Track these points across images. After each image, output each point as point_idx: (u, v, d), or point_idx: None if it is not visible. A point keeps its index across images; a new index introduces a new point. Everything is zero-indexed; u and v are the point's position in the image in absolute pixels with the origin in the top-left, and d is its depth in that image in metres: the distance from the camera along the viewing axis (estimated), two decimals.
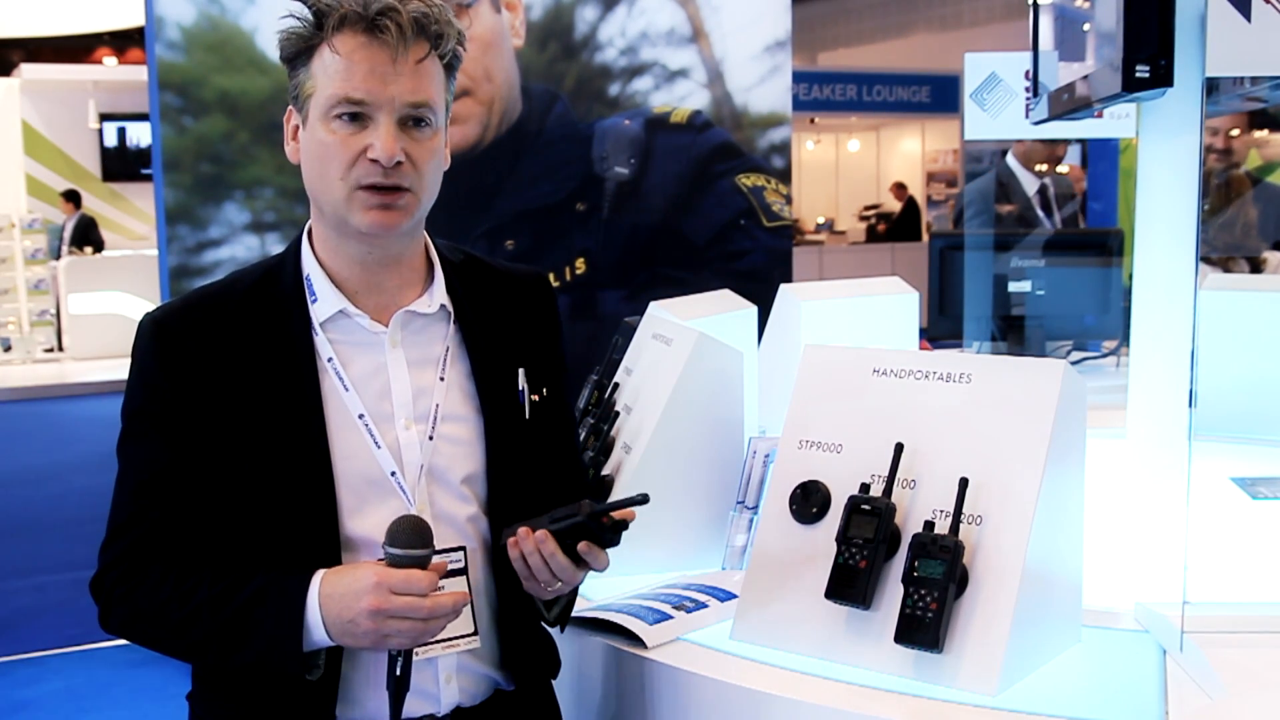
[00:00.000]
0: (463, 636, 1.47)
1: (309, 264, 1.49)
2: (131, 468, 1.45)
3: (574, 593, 1.58)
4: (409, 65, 1.38)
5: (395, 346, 1.48)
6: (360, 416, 1.44)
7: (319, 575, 1.36)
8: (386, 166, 1.38)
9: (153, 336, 1.45)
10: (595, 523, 1.42)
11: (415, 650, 1.41)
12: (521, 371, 1.55)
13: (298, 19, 1.40)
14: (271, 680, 1.40)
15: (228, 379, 1.43)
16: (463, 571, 1.46)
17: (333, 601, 1.33)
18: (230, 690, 1.47)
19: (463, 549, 1.47)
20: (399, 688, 1.38)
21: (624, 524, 1.43)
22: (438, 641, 1.44)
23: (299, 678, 1.38)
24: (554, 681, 1.65)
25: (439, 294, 1.52)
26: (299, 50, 1.41)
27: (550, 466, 1.58)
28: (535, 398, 1.56)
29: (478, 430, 1.51)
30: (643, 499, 1.42)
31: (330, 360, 1.45)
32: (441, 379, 1.49)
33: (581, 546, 1.42)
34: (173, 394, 1.42)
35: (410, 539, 1.34)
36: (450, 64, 1.46)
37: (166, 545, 1.42)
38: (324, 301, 1.47)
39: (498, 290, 1.59)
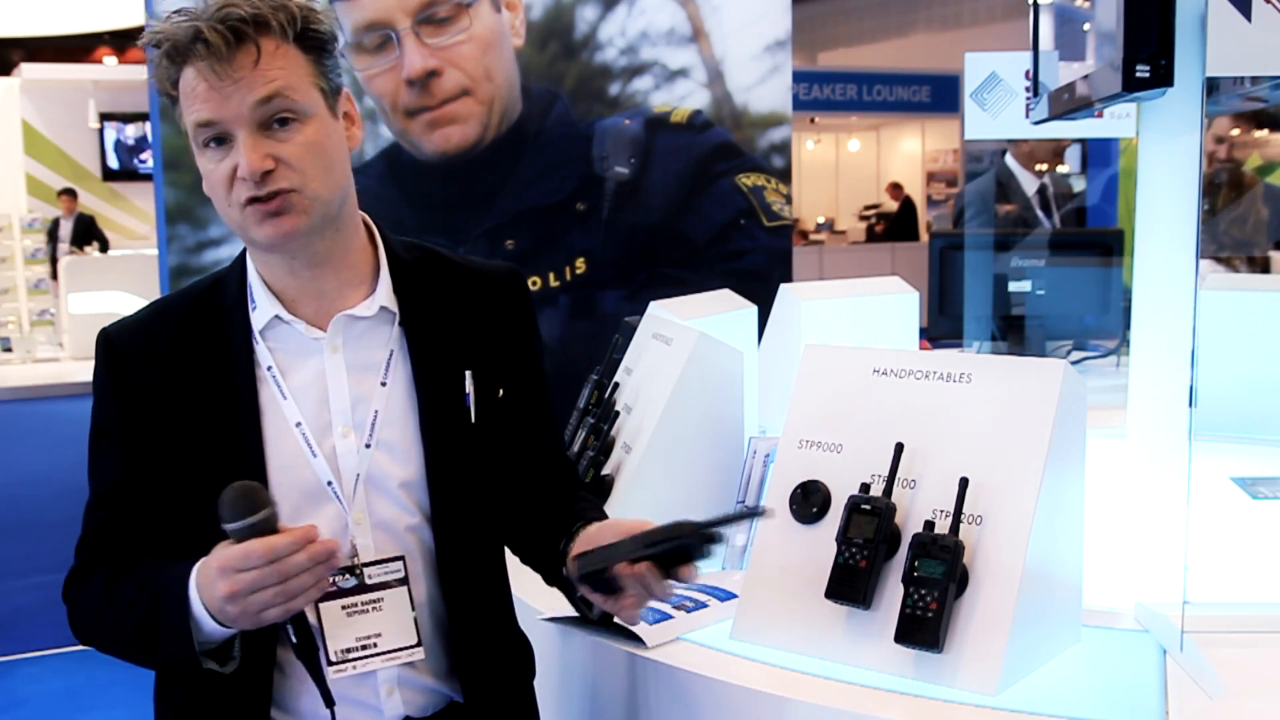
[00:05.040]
0: (404, 649, 1.44)
1: (251, 272, 1.48)
2: (94, 481, 1.48)
3: None
4: (246, 72, 1.34)
5: (335, 352, 1.45)
6: (298, 425, 1.43)
7: (196, 566, 1.32)
8: (253, 180, 1.35)
9: (103, 353, 1.47)
10: (698, 540, 1.34)
11: (348, 666, 1.40)
12: (469, 374, 1.50)
13: (153, 60, 1.39)
14: (195, 677, 1.38)
15: (170, 390, 1.43)
16: (403, 582, 1.44)
17: (202, 592, 1.30)
18: (176, 684, 1.48)
19: (401, 559, 1.45)
20: (304, 654, 1.34)
21: (721, 536, 1.35)
22: (377, 654, 1.43)
23: (215, 673, 1.35)
24: (553, 683, 1.64)
25: (381, 295, 1.48)
26: (165, 90, 1.41)
27: (519, 467, 1.56)
28: (495, 398, 1.52)
29: (416, 436, 1.47)
30: (756, 512, 1.46)
31: (270, 369, 1.44)
32: (384, 384, 1.46)
33: (683, 571, 1.35)
34: (122, 409, 1.44)
35: (237, 509, 1.26)
36: (311, 43, 1.39)
37: (116, 555, 1.43)
38: (261, 309, 1.46)
39: (456, 288, 1.54)
